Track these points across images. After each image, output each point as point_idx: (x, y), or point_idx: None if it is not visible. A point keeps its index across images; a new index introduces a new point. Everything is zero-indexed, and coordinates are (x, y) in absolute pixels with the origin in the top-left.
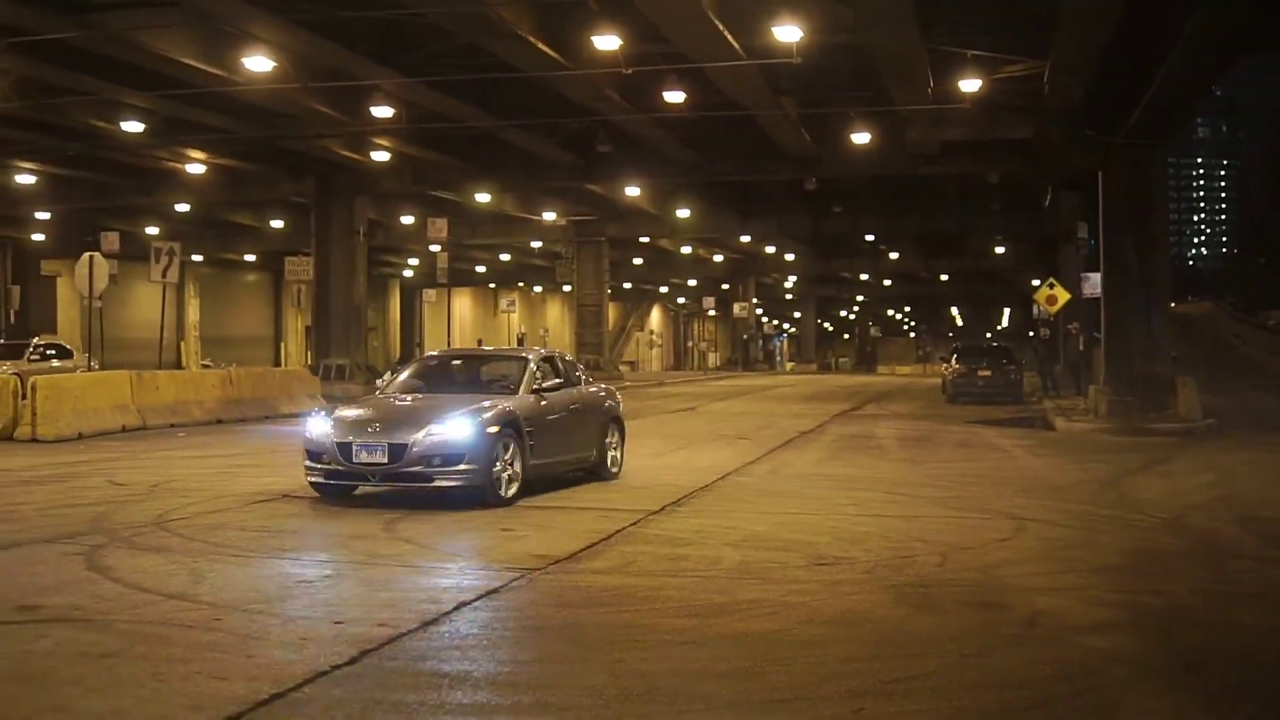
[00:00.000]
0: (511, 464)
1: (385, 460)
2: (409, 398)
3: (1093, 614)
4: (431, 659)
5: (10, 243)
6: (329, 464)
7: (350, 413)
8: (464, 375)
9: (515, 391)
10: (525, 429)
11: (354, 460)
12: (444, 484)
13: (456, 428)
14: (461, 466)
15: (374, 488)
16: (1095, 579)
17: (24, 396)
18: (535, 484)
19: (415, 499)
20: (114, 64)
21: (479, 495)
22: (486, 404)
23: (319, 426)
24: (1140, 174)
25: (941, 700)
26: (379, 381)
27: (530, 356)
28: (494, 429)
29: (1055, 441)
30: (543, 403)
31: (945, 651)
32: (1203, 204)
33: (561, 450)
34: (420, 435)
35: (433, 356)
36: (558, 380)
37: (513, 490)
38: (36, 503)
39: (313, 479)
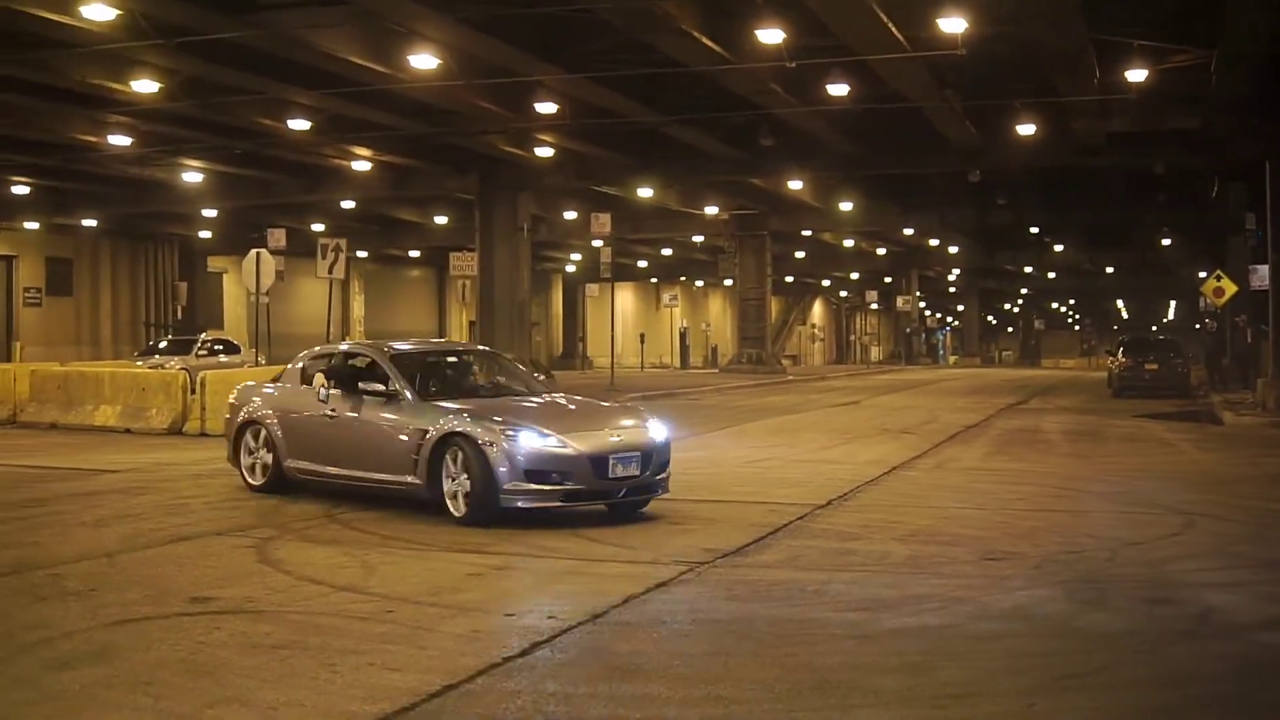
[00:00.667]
0: None
1: (638, 472)
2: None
3: (1266, 610)
4: (602, 651)
5: (178, 239)
6: (569, 485)
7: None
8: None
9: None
10: None
11: (611, 475)
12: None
13: (656, 432)
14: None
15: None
16: (1267, 574)
17: (193, 391)
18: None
19: None
20: (281, 63)
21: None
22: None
23: (534, 441)
24: None
25: (1114, 697)
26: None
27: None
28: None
29: (1223, 435)
30: None
31: (1116, 648)
32: None
33: None
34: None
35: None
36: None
37: None
38: (207, 496)
39: (538, 504)
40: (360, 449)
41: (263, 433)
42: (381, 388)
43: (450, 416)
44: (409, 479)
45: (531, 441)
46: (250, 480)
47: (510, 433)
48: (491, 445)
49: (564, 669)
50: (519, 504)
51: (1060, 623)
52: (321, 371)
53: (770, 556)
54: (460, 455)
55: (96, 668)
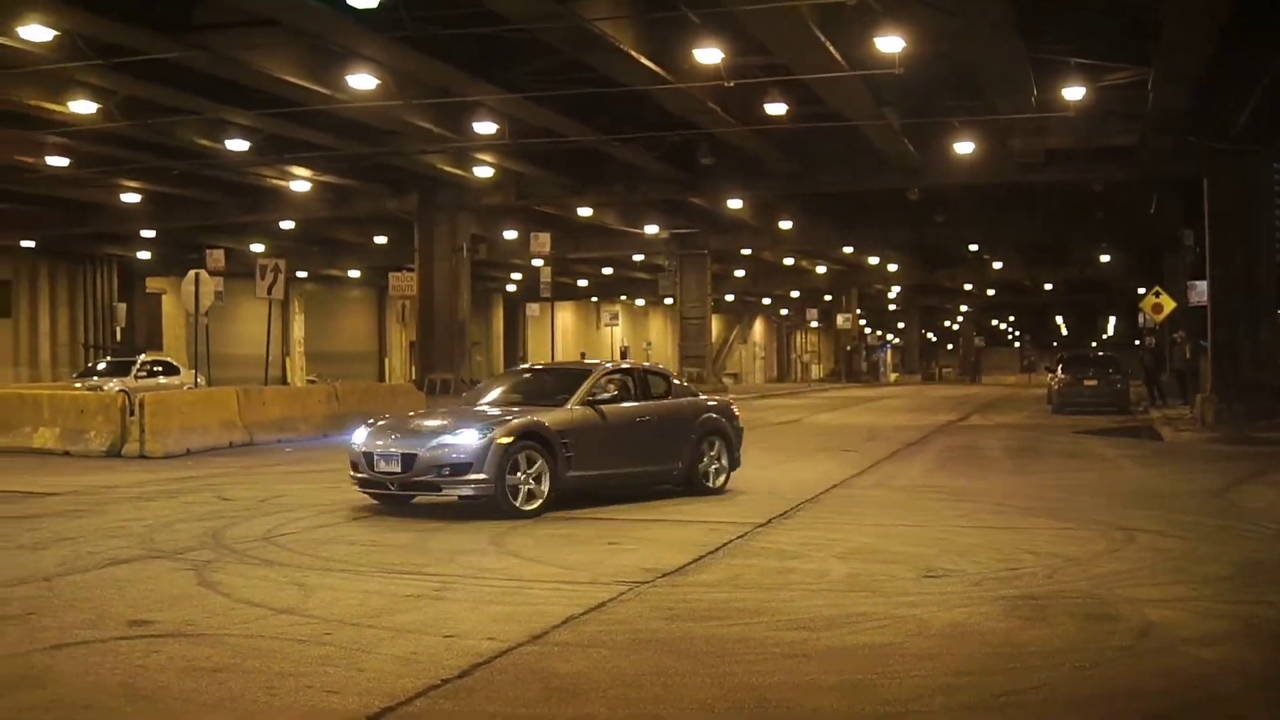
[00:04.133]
0: (535, 477)
1: (399, 470)
2: (447, 410)
3: (1205, 626)
4: (542, 672)
5: (116, 260)
6: (361, 472)
7: (381, 424)
8: (533, 388)
9: (563, 404)
10: (560, 440)
11: (375, 469)
12: (452, 493)
13: (464, 438)
14: (469, 476)
15: (417, 496)
16: (1207, 590)
17: (132, 413)
18: (604, 495)
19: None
20: (219, 83)
21: (491, 506)
22: (509, 416)
23: (357, 436)
24: (1247, 180)
25: (1053, 713)
26: (463, 395)
27: (594, 370)
28: (506, 440)
29: (1163, 451)
30: (596, 414)
31: (1056, 664)
32: None
33: (622, 463)
34: (431, 444)
35: (511, 370)
36: (615, 393)
37: (534, 504)
38: (146, 519)
39: (356, 486)
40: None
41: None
42: None
43: None
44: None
45: None
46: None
47: None
48: None
49: (504, 690)
50: None
51: (1000, 639)
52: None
53: (710, 576)
54: None
55: (34, 692)
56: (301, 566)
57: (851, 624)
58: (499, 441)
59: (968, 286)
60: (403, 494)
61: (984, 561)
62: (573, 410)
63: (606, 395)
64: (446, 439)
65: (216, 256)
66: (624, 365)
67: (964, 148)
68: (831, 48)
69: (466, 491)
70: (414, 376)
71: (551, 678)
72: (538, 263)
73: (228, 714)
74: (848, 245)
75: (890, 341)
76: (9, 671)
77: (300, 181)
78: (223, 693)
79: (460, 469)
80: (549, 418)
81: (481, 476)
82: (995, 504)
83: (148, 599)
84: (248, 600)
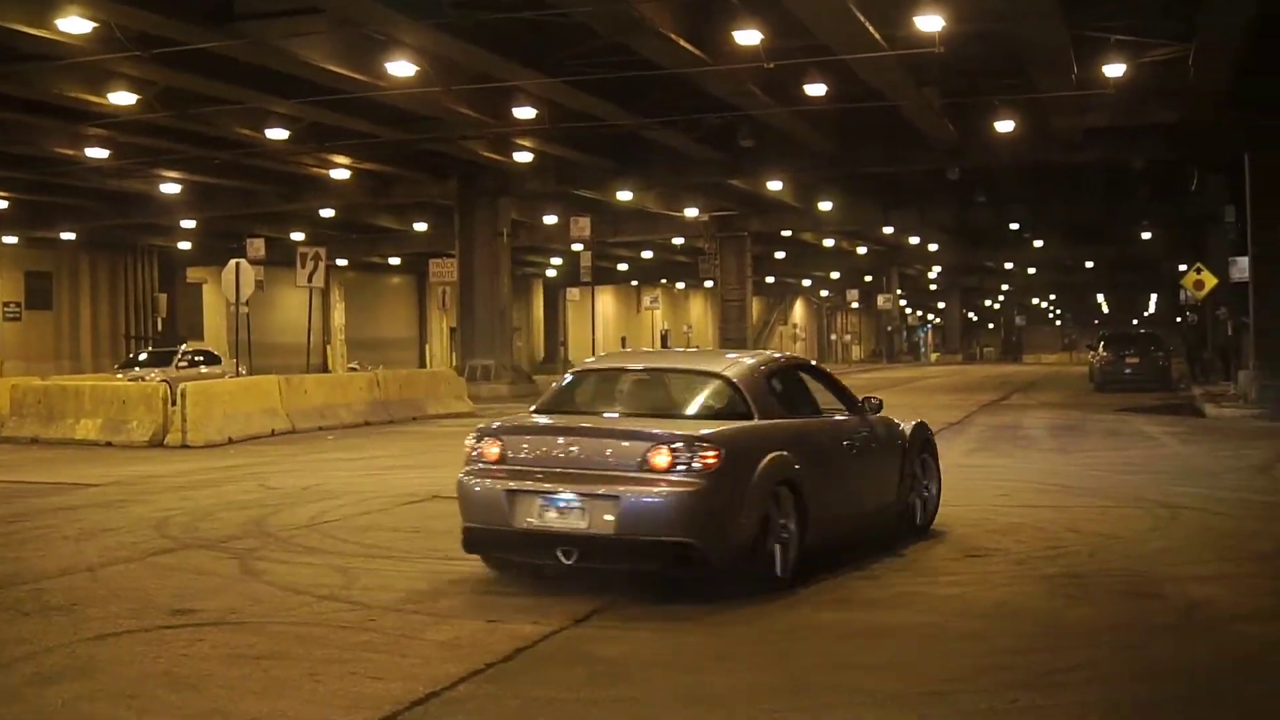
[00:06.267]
0: None
1: None
2: None
3: (1251, 602)
4: (586, 655)
5: (157, 251)
6: None
7: None
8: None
9: None
10: None
11: None
12: None
13: None
14: None
15: None
16: (1252, 567)
17: (173, 403)
18: None
19: None
20: (258, 72)
21: None
22: None
23: None
24: None
25: (1098, 691)
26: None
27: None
28: None
29: (1205, 428)
30: None
31: (1100, 642)
32: None
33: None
34: None
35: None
36: None
37: None
38: (189, 508)
39: None
40: None
41: None
42: None
43: None
44: None
45: None
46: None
47: None
48: None
49: (548, 674)
50: None
51: (1045, 618)
52: None
53: None
54: None
55: (79, 682)
56: (344, 553)
57: (896, 604)
58: None
59: (1008, 266)
60: None
61: (1027, 540)
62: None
63: None
64: None
65: (257, 245)
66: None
67: (1004, 126)
68: (871, 27)
69: None
70: (455, 363)
71: (596, 660)
72: (578, 247)
73: (272, 701)
74: (888, 226)
75: (931, 321)
76: (54, 661)
77: (340, 169)
78: (266, 680)
79: None
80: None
81: None
82: (1037, 483)
83: (191, 588)
84: (291, 588)
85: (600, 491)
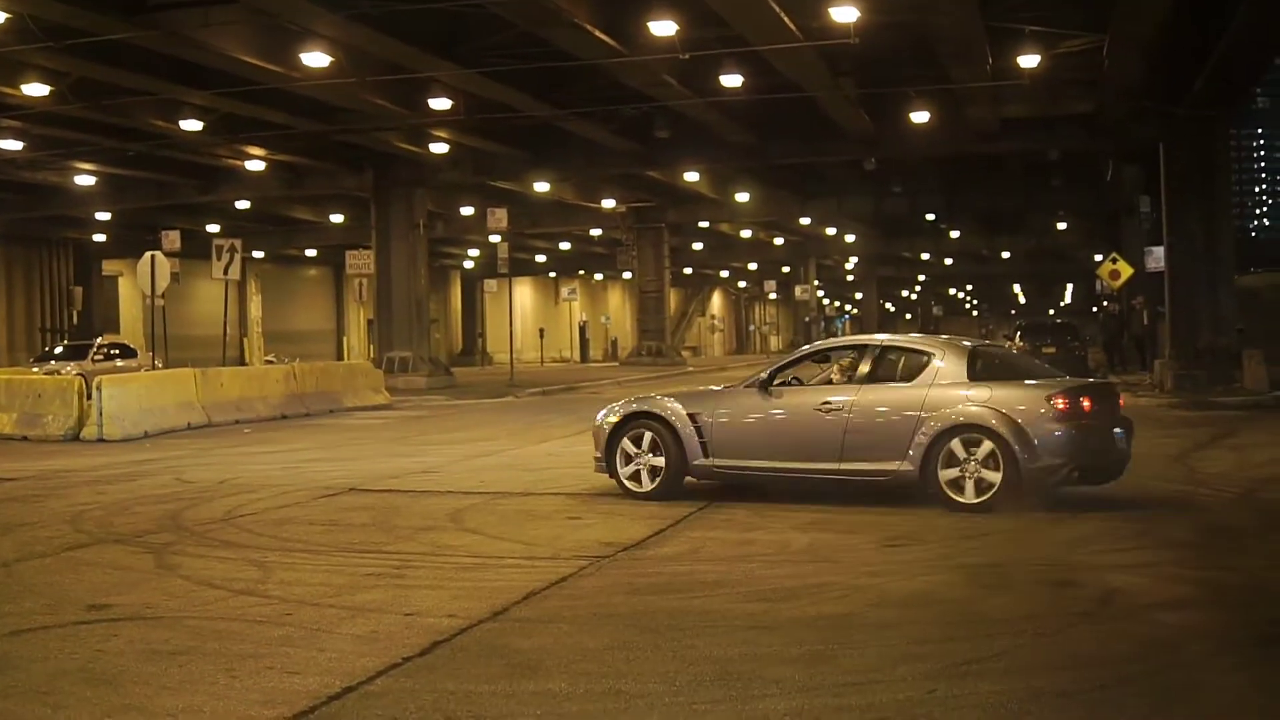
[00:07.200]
0: (649, 459)
1: None
2: None
3: (1167, 590)
4: (502, 649)
5: (71, 243)
6: None
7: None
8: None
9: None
10: (694, 425)
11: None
12: None
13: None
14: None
15: None
16: (1168, 554)
17: (89, 396)
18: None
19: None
20: (172, 63)
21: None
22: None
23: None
24: (1203, 145)
25: (1016, 680)
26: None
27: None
28: (613, 420)
29: None
30: (761, 398)
31: (1019, 631)
32: (1265, 175)
33: (795, 456)
34: None
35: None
36: (843, 374)
37: (646, 487)
38: (104, 502)
39: None
40: None
41: None
42: None
43: None
44: None
45: None
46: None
47: None
48: None
49: (464, 667)
50: None
51: (962, 607)
52: None
53: (670, 549)
54: None
55: None
56: (261, 547)
57: (813, 595)
58: (608, 421)
59: (925, 256)
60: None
61: (944, 529)
62: (728, 392)
63: (790, 378)
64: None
65: (172, 238)
66: (868, 341)
67: (920, 117)
68: (786, 18)
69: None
70: (373, 355)
71: (513, 653)
72: (495, 239)
73: (188, 697)
74: (805, 217)
75: (849, 312)
76: None
77: (255, 161)
78: (183, 675)
79: None
80: (687, 398)
81: (596, 455)
82: None
83: (106, 583)
84: (207, 582)
85: None
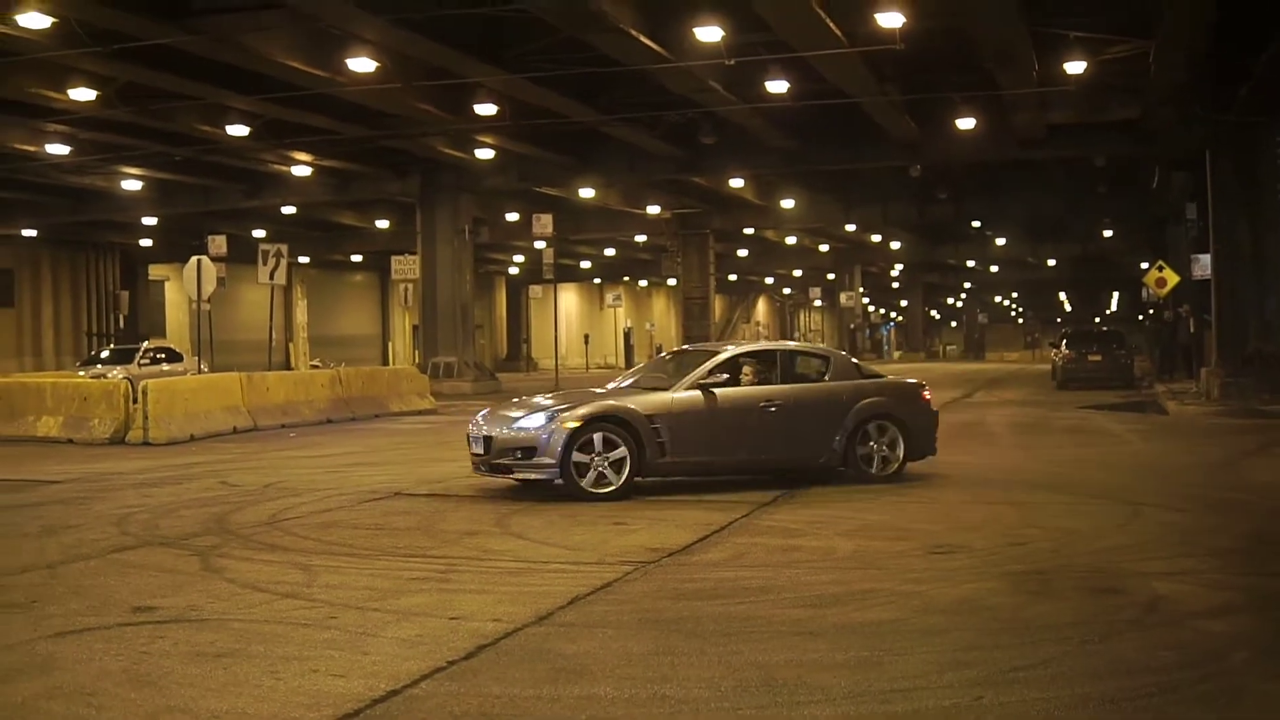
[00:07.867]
0: (612, 462)
1: (482, 452)
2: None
3: (1213, 598)
4: (547, 653)
5: (118, 248)
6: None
7: (490, 408)
8: (663, 371)
9: (669, 388)
10: (651, 426)
11: (471, 450)
12: (523, 475)
13: (531, 422)
14: (536, 460)
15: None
16: (1214, 562)
17: (135, 400)
18: (701, 483)
19: (531, 494)
20: (218, 67)
21: (563, 489)
22: (585, 400)
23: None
24: (1250, 152)
25: (1062, 688)
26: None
27: (722, 353)
28: (573, 424)
29: (1168, 425)
30: (704, 399)
31: (1064, 638)
32: None
33: (734, 450)
34: (505, 429)
35: (667, 353)
36: (750, 377)
37: (608, 488)
38: (150, 505)
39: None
40: None
41: None
42: None
43: None
44: None
45: None
46: None
47: None
48: None
49: (509, 671)
50: None
51: (1008, 614)
52: None
53: (715, 555)
54: None
55: (38, 680)
56: (306, 551)
57: (858, 601)
58: (565, 426)
59: (970, 263)
60: (492, 474)
61: (990, 536)
62: (675, 395)
63: (722, 379)
64: (520, 423)
65: (218, 242)
66: (764, 347)
67: (965, 123)
68: (831, 24)
69: (533, 475)
70: (418, 360)
71: (557, 658)
72: (540, 245)
73: (232, 699)
74: (850, 223)
75: (894, 319)
76: (13, 659)
77: (301, 166)
78: (227, 677)
79: (529, 452)
80: (641, 401)
81: (547, 460)
82: (1000, 480)
83: (151, 585)
84: (252, 585)
85: None
